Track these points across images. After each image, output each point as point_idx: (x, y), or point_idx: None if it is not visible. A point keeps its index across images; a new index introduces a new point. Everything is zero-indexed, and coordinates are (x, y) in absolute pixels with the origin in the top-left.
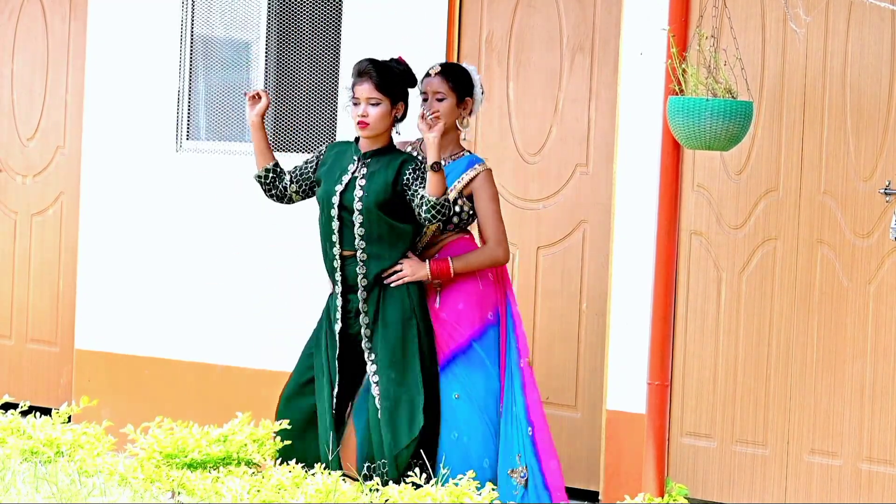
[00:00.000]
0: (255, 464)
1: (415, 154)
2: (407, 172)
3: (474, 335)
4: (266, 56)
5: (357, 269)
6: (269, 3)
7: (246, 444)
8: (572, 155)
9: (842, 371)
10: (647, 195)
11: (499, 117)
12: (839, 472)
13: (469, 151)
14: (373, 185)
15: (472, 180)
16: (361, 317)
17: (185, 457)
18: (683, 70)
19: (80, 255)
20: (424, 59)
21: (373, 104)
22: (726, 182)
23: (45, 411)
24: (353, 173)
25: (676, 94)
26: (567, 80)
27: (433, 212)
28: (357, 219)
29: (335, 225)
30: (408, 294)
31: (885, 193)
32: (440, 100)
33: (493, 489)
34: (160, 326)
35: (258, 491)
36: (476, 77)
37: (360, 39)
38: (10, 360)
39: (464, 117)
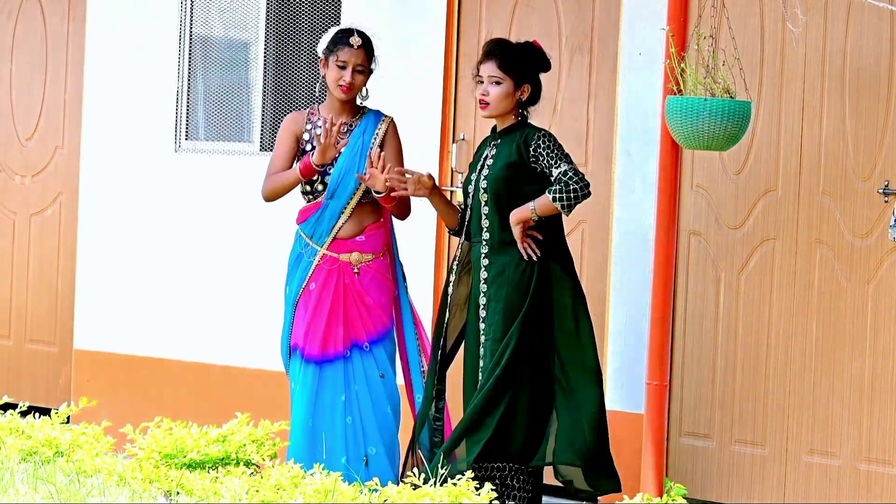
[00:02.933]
0: (253, 464)
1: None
2: (532, 145)
3: (386, 329)
4: (265, 56)
5: (480, 249)
6: (268, 4)
7: (245, 445)
8: (571, 155)
9: (840, 371)
10: (646, 195)
11: None
12: (838, 472)
13: (367, 108)
14: (497, 160)
15: (386, 132)
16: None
17: (184, 457)
18: (682, 70)
19: (78, 255)
20: (423, 58)
21: (495, 81)
22: (725, 182)
23: (44, 411)
24: (484, 158)
25: (675, 94)
26: (566, 80)
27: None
28: (483, 198)
29: (468, 214)
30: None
31: (884, 193)
32: (360, 72)
33: (492, 489)
34: (159, 326)
35: (257, 491)
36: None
37: None
38: (9, 361)
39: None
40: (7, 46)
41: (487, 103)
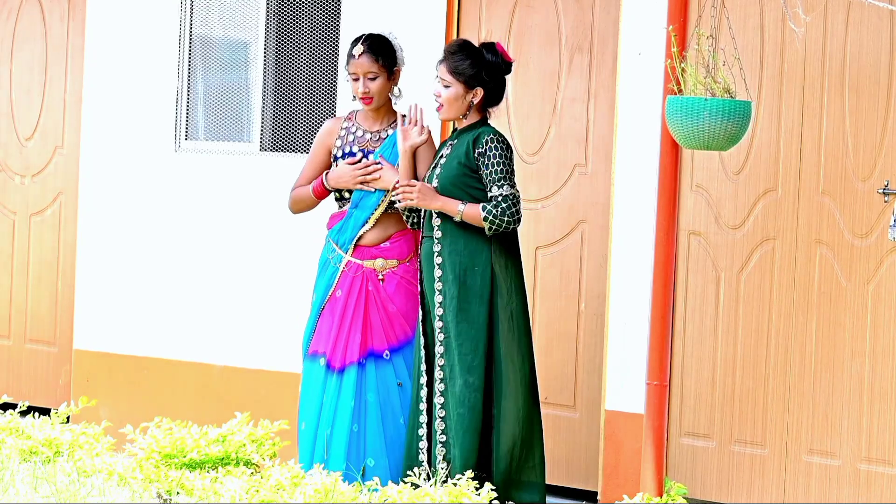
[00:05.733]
0: (253, 464)
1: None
2: (479, 146)
3: (408, 337)
4: (265, 56)
5: (433, 246)
6: (268, 3)
7: (244, 445)
8: (571, 155)
9: (840, 371)
10: (646, 195)
11: (497, 117)
12: (838, 472)
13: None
14: (449, 160)
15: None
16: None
17: (184, 457)
18: (682, 70)
19: (78, 255)
20: (423, 58)
21: (444, 84)
22: (725, 182)
23: (44, 411)
24: (440, 156)
25: (675, 93)
26: (566, 80)
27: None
28: None
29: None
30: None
31: (884, 193)
32: (372, 79)
33: (492, 489)
34: (159, 326)
35: (257, 491)
36: (396, 42)
37: None
38: (9, 361)
39: (394, 87)
40: (7, 46)
41: (441, 105)
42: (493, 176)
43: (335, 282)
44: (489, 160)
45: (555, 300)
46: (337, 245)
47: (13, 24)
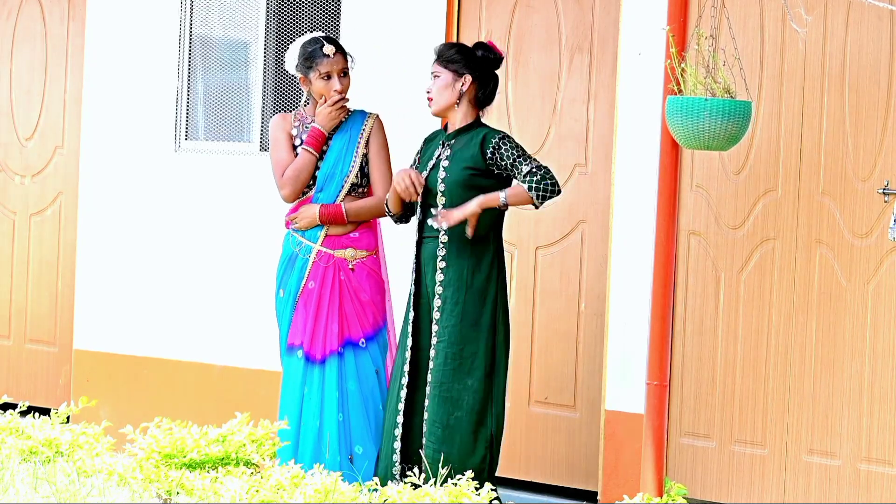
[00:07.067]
0: (253, 464)
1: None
2: (490, 147)
3: (380, 326)
4: (265, 56)
5: (436, 249)
6: (268, 3)
7: (245, 445)
8: (571, 155)
9: (840, 371)
10: (646, 195)
11: (497, 117)
12: (838, 472)
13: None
14: (454, 163)
15: (372, 128)
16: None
17: (184, 457)
18: (682, 70)
19: (78, 255)
20: (423, 58)
21: (434, 76)
22: (725, 182)
23: (44, 411)
24: (437, 157)
25: (675, 94)
26: (566, 80)
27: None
28: (440, 200)
29: (416, 210)
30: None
31: (884, 193)
32: (345, 75)
33: (493, 489)
34: (159, 326)
35: (257, 491)
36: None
37: (359, 39)
38: (9, 361)
39: None
40: (7, 46)
41: (431, 98)
42: (516, 161)
43: (306, 274)
44: (505, 152)
45: (555, 300)
46: (304, 237)
47: (13, 24)
